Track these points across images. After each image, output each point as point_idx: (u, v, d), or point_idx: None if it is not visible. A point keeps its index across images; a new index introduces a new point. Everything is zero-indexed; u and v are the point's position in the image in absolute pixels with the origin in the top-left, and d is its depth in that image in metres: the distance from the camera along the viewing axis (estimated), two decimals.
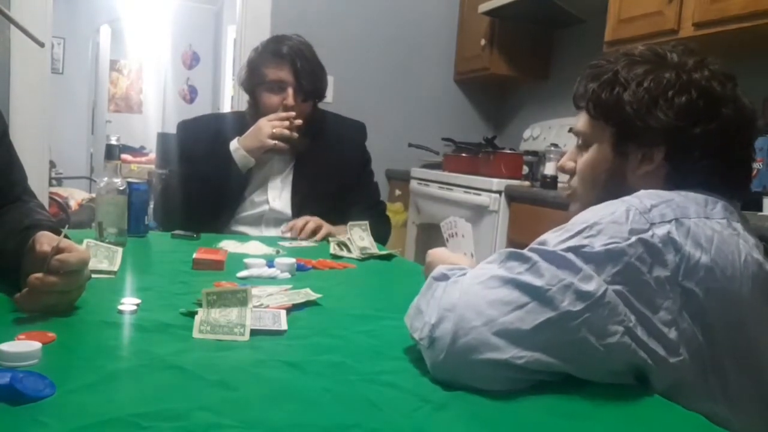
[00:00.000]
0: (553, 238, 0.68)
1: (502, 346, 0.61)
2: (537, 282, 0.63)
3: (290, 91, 1.58)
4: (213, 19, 6.70)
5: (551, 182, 2.35)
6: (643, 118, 0.79)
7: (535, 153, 2.71)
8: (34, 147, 2.68)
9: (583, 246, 0.65)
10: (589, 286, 0.62)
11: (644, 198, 0.72)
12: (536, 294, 0.62)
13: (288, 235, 1.51)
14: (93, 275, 0.86)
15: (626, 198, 0.72)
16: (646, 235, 0.66)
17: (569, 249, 0.65)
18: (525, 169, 2.63)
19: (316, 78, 1.62)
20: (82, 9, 6.04)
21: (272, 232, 1.61)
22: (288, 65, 1.58)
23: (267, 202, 1.62)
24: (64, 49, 6.12)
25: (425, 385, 0.63)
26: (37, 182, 2.72)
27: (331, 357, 0.69)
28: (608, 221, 0.67)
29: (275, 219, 1.62)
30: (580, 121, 0.89)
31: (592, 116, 0.86)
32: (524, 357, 0.61)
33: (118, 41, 6.31)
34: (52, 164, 4.49)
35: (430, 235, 2.88)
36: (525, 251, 0.67)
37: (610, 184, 0.84)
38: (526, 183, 2.47)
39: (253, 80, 1.63)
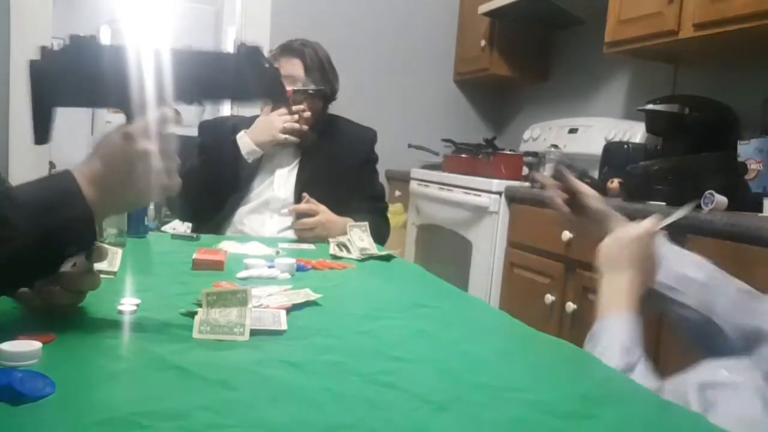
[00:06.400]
0: None
1: None
2: None
3: (299, 85, 1.66)
4: (213, 20, 6.70)
5: None
6: None
7: (535, 154, 2.72)
8: (33, 148, 2.68)
9: None
10: None
11: None
12: None
13: (292, 216, 1.55)
14: None
15: None
16: None
17: None
18: (525, 170, 2.64)
19: (325, 74, 1.70)
20: (82, 10, 6.04)
21: (276, 219, 1.67)
22: (298, 59, 1.67)
23: (272, 190, 1.69)
24: None
25: (425, 385, 0.63)
26: None
27: (331, 357, 0.69)
28: None
29: (279, 206, 1.68)
30: None
31: None
32: None
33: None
34: (52, 165, 4.48)
35: (430, 235, 2.88)
36: None
37: None
38: (526, 184, 2.47)
39: None
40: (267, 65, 0.81)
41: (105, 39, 0.77)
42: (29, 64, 0.74)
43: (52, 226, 0.66)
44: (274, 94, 0.83)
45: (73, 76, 0.74)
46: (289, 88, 0.95)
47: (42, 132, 0.76)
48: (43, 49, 0.74)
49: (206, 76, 0.79)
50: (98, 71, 0.75)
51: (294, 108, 1.64)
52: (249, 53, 0.80)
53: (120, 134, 0.72)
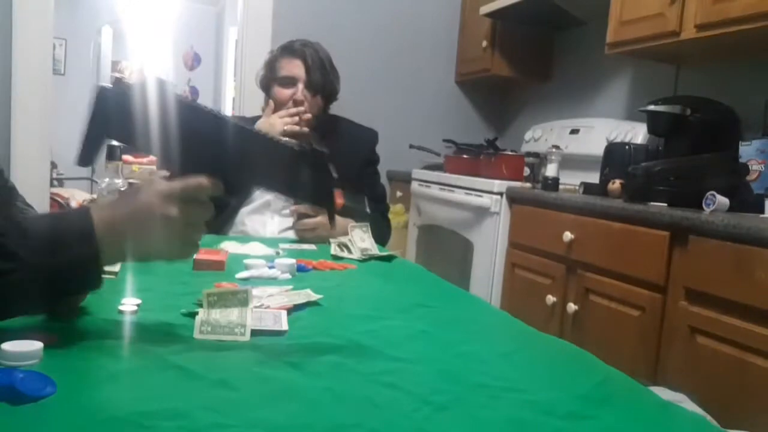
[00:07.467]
0: None
1: None
2: None
3: (300, 86, 1.66)
4: (214, 20, 6.71)
5: (552, 184, 2.35)
6: None
7: (536, 154, 2.71)
8: (35, 148, 2.69)
9: None
10: None
11: None
12: None
13: (293, 217, 1.55)
14: None
15: None
16: None
17: None
18: (526, 171, 2.64)
19: (326, 74, 1.70)
20: (83, 10, 6.05)
21: (277, 219, 1.67)
22: (299, 60, 1.68)
23: None
24: (66, 50, 6.14)
25: (426, 385, 0.63)
26: (39, 183, 2.72)
27: (332, 357, 0.69)
28: None
29: (280, 207, 1.68)
30: None
31: None
32: None
33: (120, 42, 6.32)
34: (54, 165, 4.50)
35: (431, 236, 2.88)
36: None
37: None
38: (528, 184, 2.47)
39: (267, 77, 1.74)
40: (331, 175, 0.77)
41: (171, 87, 0.74)
42: (97, 88, 0.72)
43: (58, 264, 0.66)
44: (326, 203, 0.80)
45: (134, 116, 0.72)
46: (339, 201, 0.89)
47: (87, 155, 0.74)
48: (117, 79, 0.73)
49: (265, 164, 0.76)
50: (158, 119, 0.72)
51: (294, 110, 1.64)
52: (318, 159, 0.76)
53: (154, 190, 0.71)
